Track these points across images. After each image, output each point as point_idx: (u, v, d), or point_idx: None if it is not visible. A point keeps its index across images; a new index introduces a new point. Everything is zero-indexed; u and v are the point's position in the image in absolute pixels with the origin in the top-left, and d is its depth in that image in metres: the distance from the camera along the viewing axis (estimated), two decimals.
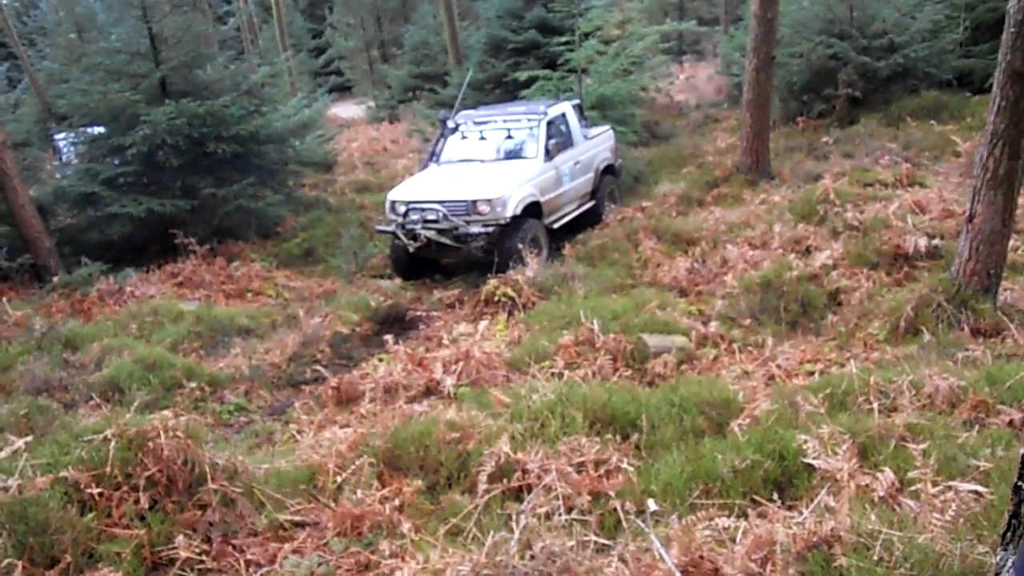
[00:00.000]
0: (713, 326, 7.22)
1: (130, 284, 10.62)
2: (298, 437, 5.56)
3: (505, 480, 4.37)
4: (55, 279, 11.04)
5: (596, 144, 12.58)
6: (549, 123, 11.49)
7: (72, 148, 15.83)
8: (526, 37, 17.33)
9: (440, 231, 10.24)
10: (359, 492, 4.36)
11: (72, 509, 3.81)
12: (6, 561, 3.43)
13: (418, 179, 11.53)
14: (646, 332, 6.90)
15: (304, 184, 15.85)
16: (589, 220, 12.03)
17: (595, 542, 3.90)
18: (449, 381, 6.22)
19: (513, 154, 11.37)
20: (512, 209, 10.18)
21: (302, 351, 7.74)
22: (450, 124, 12.15)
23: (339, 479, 4.51)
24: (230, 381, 7.12)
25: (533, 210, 10.69)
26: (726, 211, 11.27)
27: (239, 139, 12.90)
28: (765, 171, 12.94)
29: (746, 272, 8.45)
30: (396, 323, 8.72)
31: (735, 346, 6.90)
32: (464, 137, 11.86)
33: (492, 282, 8.89)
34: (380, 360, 7.19)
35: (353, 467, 4.58)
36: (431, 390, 6.27)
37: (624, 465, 4.59)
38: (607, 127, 13.26)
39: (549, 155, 11.13)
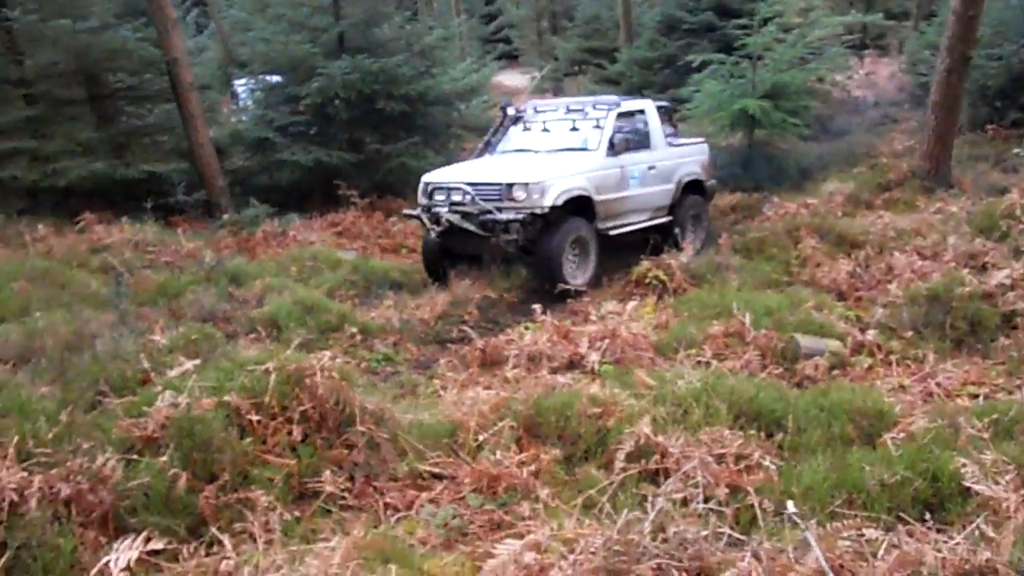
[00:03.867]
0: (871, 334, 6.92)
1: (293, 228, 11.10)
2: (441, 393, 5.69)
3: (643, 461, 4.34)
4: (225, 217, 11.66)
5: (682, 154, 11.13)
6: (620, 116, 10.26)
7: (249, 94, 16.62)
8: (702, 18, 16.98)
9: (465, 215, 9.07)
10: (498, 453, 4.43)
11: (232, 432, 4.03)
12: (173, 470, 3.66)
13: (464, 165, 10.57)
14: (799, 332, 6.70)
15: (464, 148, 16.10)
16: (663, 239, 10.32)
17: (729, 535, 3.83)
18: (593, 357, 6.22)
19: (576, 146, 10.15)
20: (552, 199, 8.91)
21: (450, 311, 7.92)
22: (511, 112, 11.06)
23: (479, 438, 4.60)
24: (380, 331, 7.37)
25: (582, 207, 9.37)
26: (897, 216, 10.73)
27: (408, 99, 13.21)
28: (944, 178, 12.19)
29: (912, 282, 8.03)
30: (544, 294, 8.75)
31: (892, 358, 6.60)
32: (526, 128, 10.81)
33: (644, 264, 8.81)
34: (526, 328, 7.25)
35: (494, 429, 4.66)
36: (574, 363, 6.29)
37: (766, 463, 4.49)
38: (701, 140, 11.91)
39: (613, 150, 9.80)
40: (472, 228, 9.03)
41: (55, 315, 6.86)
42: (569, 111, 10.55)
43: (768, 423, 4.99)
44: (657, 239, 9.98)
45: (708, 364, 6.07)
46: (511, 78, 31.58)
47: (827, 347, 6.55)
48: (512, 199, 8.90)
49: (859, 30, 22.54)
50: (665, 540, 3.60)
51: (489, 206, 8.94)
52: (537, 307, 7.29)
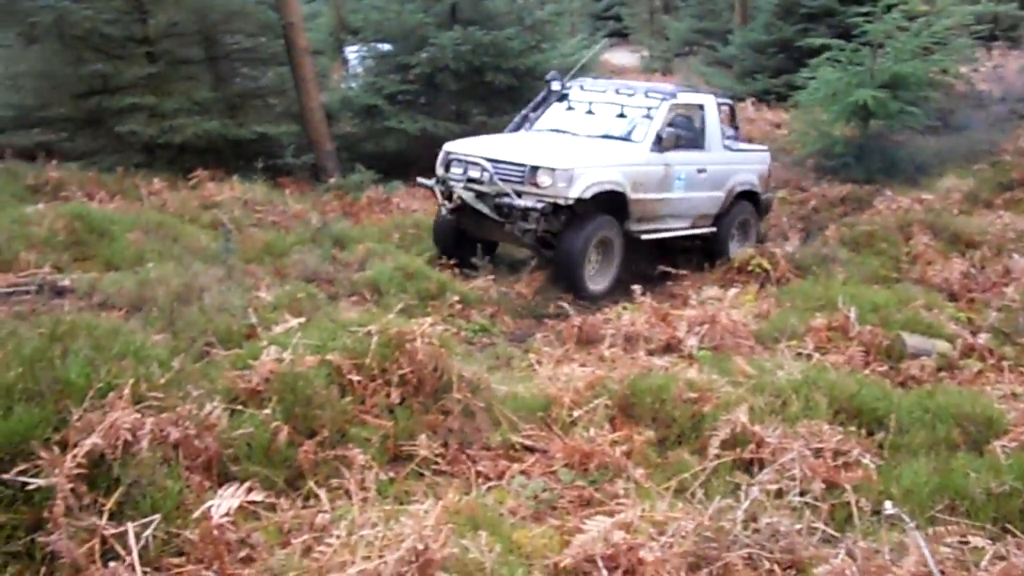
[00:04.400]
0: (983, 338, 6.66)
1: (397, 196, 11.25)
2: (536, 367, 5.70)
3: (738, 449, 4.28)
4: (331, 180, 11.90)
5: (739, 160, 10.16)
6: (675, 108, 9.29)
7: (360, 61, 16.88)
8: (822, 3, 16.51)
9: (480, 195, 8.25)
10: (591, 431, 4.41)
11: (333, 390, 4.11)
12: (275, 423, 3.76)
13: (491, 138, 9.63)
14: (906, 330, 6.49)
15: None
16: (705, 253, 9.73)
17: (823, 531, 3.75)
18: (691, 341, 6.15)
19: (619, 134, 9.23)
20: (580, 190, 7.99)
21: (548, 286, 7.91)
22: (555, 87, 10.01)
23: (573, 414, 4.60)
24: (478, 302, 7.43)
25: (613, 204, 8.48)
26: (1017, 217, 10.25)
27: (516, 72, 13.21)
28: None
29: None
30: (643, 276, 8.67)
31: (1005, 364, 6.33)
32: (570, 107, 9.82)
33: (748, 250, 8.66)
34: (624, 308, 7.20)
35: (588, 406, 4.65)
36: (671, 347, 6.22)
37: (865, 461, 4.37)
38: (763, 148, 11.00)
39: (660, 145, 8.83)
40: (485, 210, 8.18)
41: (166, 266, 7.10)
42: (619, 94, 9.55)
43: (869, 421, 4.86)
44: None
45: (809, 357, 5.92)
46: (620, 56, 31.23)
47: (935, 348, 6.34)
48: (535, 184, 8.02)
49: (989, 20, 21.49)
50: (757, 530, 3.55)
51: (508, 188, 8.10)
52: (637, 288, 7.23)
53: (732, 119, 10.46)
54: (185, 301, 6.07)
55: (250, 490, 2.97)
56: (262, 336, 4.67)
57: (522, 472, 4.18)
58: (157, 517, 2.99)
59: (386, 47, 14.93)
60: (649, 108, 9.18)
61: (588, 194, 8.07)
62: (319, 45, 16.61)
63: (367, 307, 6.43)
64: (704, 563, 3.37)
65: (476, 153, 8.52)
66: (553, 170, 8.00)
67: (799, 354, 5.97)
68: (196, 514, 3.04)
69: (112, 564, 2.79)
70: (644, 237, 8.90)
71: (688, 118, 9.58)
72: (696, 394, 4.76)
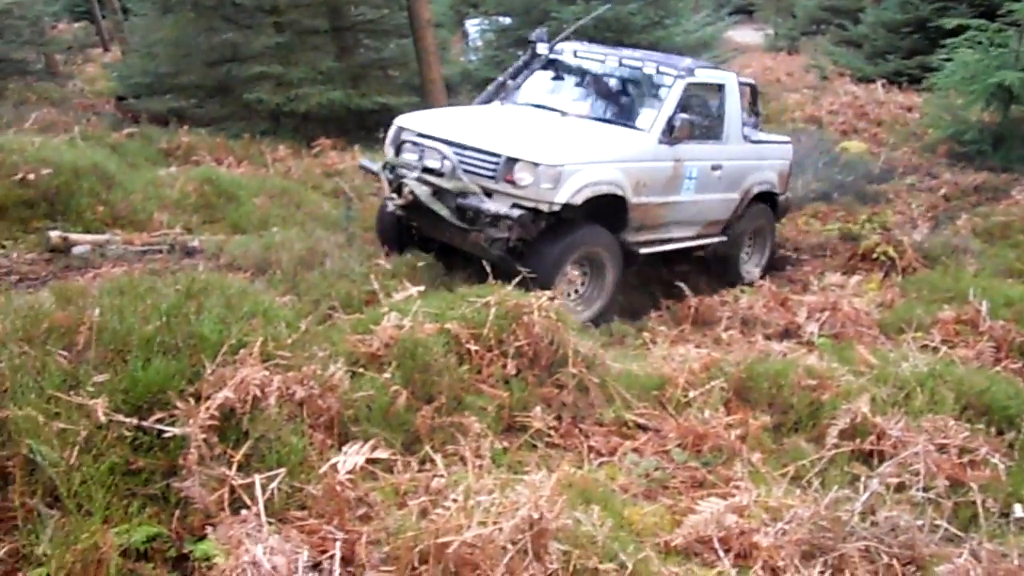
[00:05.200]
0: None
1: None
2: (650, 346, 5.65)
3: (857, 440, 4.17)
4: None
5: (759, 154, 8.28)
6: (690, 87, 7.35)
7: (480, 34, 16.95)
8: None
9: (439, 192, 6.47)
10: (706, 412, 4.37)
11: (451, 358, 4.17)
12: (394, 388, 3.84)
13: (461, 112, 7.91)
14: None
15: None
16: (715, 270, 8.11)
17: (946, 529, 3.63)
18: (811, 328, 6.02)
19: (619, 117, 7.43)
20: (570, 193, 6.20)
21: (663, 266, 7.82)
22: (541, 51, 8.02)
23: (688, 395, 4.55)
24: None
25: (608, 211, 6.71)
26: None
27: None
28: None
29: None
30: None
31: None
32: (558, 75, 8.00)
33: (874, 237, 8.35)
34: (742, 291, 7.08)
35: (703, 387, 4.60)
36: (790, 332, 6.10)
37: (993, 460, 4.21)
38: (785, 139, 8.98)
39: (671, 135, 6.99)
40: (444, 213, 6.42)
41: (290, 231, 7.34)
42: (622, 65, 7.57)
43: (999, 419, 4.68)
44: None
45: (936, 350, 5.72)
46: (743, 34, 30.48)
47: None
48: (512, 182, 6.22)
49: None
50: (875, 524, 3.46)
51: (474, 186, 6.36)
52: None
53: (754, 104, 8.76)
54: (308, 266, 6.27)
55: (374, 448, 3.04)
56: (382, 302, 4.76)
57: (634, 450, 4.18)
58: (282, 471, 3.09)
59: (506, 20, 14.94)
60: (660, 87, 7.31)
61: (579, 199, 6.28)
62: (440, 18, 16.74)
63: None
64: (819, 552, 3.31)
65: (437, 134, 6.70)
66: (536, 165, 6.17)
67: (925, 346, 5.77)
68: (323, 469, 3.13)
69: (241, 513, 2.89)
70: (644, 251, 7.07)
71: (704, 101, 7.84)
72: (815, 381, 4.65)
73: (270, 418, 3.31)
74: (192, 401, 3.22)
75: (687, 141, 7.15)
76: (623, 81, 7.67)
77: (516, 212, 6.13)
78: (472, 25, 18.61)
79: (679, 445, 4.19)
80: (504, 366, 4.30)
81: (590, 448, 4.15)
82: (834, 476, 3.91)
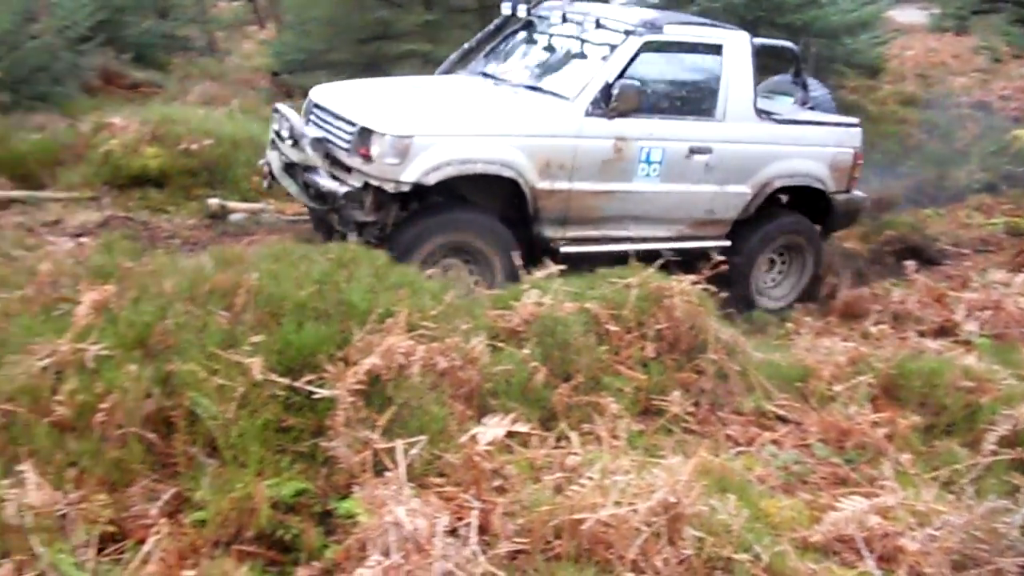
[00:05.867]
0: None
1: None
2: (794, 337, 5.50)
3: (1019, 448, 3.93)
4: None
5: (789, 138, 6.56)
6: (652, 47, 6.00)
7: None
8: None
9: (288, 166, 5.92)
10: (851, 408, 4.22)
11: (590, 337, 4.18)
12: (533, 364, 3.88)
13: (375, 82, 6.88)
14: None
15: (844, 86, 15.09)
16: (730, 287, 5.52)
17: None
18: (970, 327, 5.70)
19: (551, 84, 6.22)
20: (420, 171, 5.29)
21: None
22: (519, 12, 6.79)
23: (832, 389, 4.41)
24: None
25: (507, 195, 5.71)
26: None
27: (791, 28, 12.54)
28: None
29: None
30: (911, 252, 8.04)
31: None
32: (530, 39, 6.87)
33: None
34: (894, 284, 6.77)
35: (849, 382, 4.44)
36: (945, 330, 5.80)
37: None
38: (847, 119, 7.04)
39: (606, 105, 5.75)
40: (292, 191, 5.88)
41: None
42: (599, 27, 6.22)
43: None
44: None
45: None
46: (905, 14, 28.92)
47: None
48: (365, 156, 5.38)
49: None
50: None
51: (318, 159, 5.63)
52: (910, 264, 6.75)
53: (797, 74, 7.20)
54: None
55: (514, 421, 3.09)
56: (523, 280, 4.80)
57: (773, 441, 4.09)
58: (423, 438, 3.17)
59: (653, 1, 14.71)
60: (607, 46, 6.07)
61: (433, 179, 5.34)
62: None
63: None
64: (971, 564, 3.15)
65: (323, 103, 6.03)
66: (384, 136, 5.30)
67: None
68: (464, 438, 3.19)
69: (384, 475, 2.99)
70: (569, 250, 5.82)
71: (687, 66, 6.34)
72: (973, 383, 4.43)
73: (413, 386, 3.40)
74: (341, 365, 3.34)
75: (641, 115, 5.90)
76: (577, 41, 6.35)
77: (343, 190, 5.41)
78: (619, 6, 18.41)
79: (821, 440, 4.08)
80: (643, 348, 4.28)
81: (727, 436, 4.09)
82: (991, 485, 3.70)
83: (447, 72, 7.08)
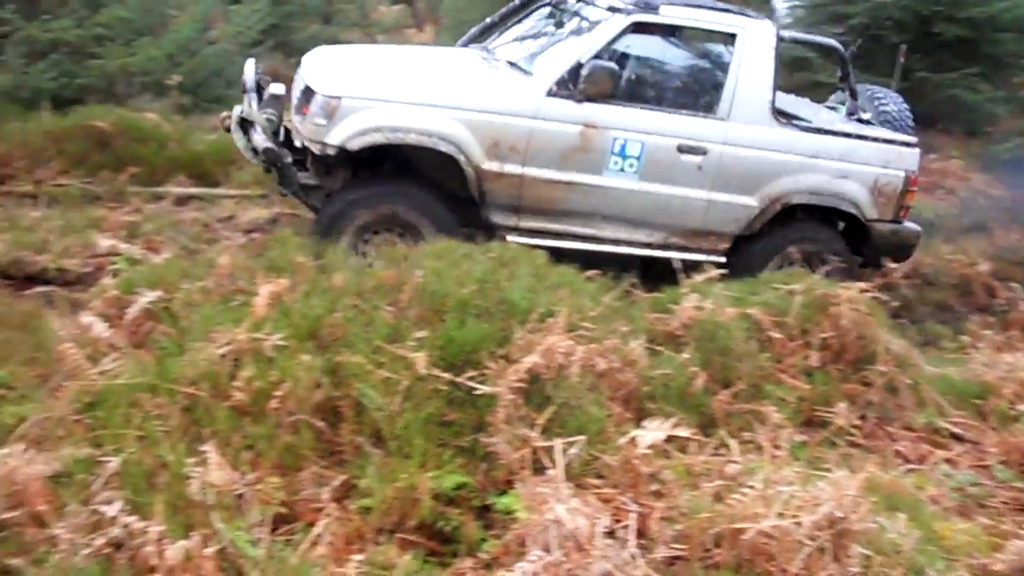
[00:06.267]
0: None
1: None
2: (970, 351, 5.20)
3: None
4: None
5: (809, 147, 5.69)
6: (643, 29, 5.52)
7: (790, 10, 16.22)
8: None
9: (243, 122, 5.57)
10: None
11: (752, 343, 4.09)
12: (692, 368, 3.82)
13: (375, 51, 6.81)
14: None
15: None
16: None
17: None
18: None
19: (528, 62, 5.76)
20: (344, 135, 5.08)
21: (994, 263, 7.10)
22: None
23: (1015, 408, 4.15)
24: (912, 274, 6.89)
25: (453, 173, 5.32)
26: None
27: (972, 23, 11.87)
28: None
29: None
30: None
31: None
32: (548, 16, 6.29)
33: None
34: None
35: None
36: None
37: None
38: (904, 139, 6.03)
39: (571, 87, 5.28)
40: (240, 144, 5.58)
41: None
42: (588, 3, 5.83)
43: None
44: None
45: None
46: None
47: None
48: (305, 113, 5.25)
49: None
50: None
51: (259, 115, 5.42)
52: None
53: (844, 78, 6.38)
54: None
55: (675, 426, 3.05)
56: (682, 283, 4.73)
57: (947, 460, 3.90)
58: (582, 438, 3.18)
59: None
60: (592, 23, 5.59)
61: (357, 144, 5.10)
62: None
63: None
64: None
65: (304, 60, 5.92)
66: (317, 97, 5.16)
67: None
68: (617, 442, 3.18)
69: (544, 473, 3.01)
70: (522, 240, 5.27)
71: (689, 55, 5.90)
72: None
73: (572, 386, 3.41)
74: (502, 363, 3.39)
75: (619, 102, 5.39)
76: (580, 20, 5.79)
77: (263, 145, 5.21)
78: (781, 1, 17.87)
79: (1002, 462, 3.85)
80: (807, 357, 4.16)
81: (896, 453, 3.92)
82: None
83: (464, 45, 6.66)
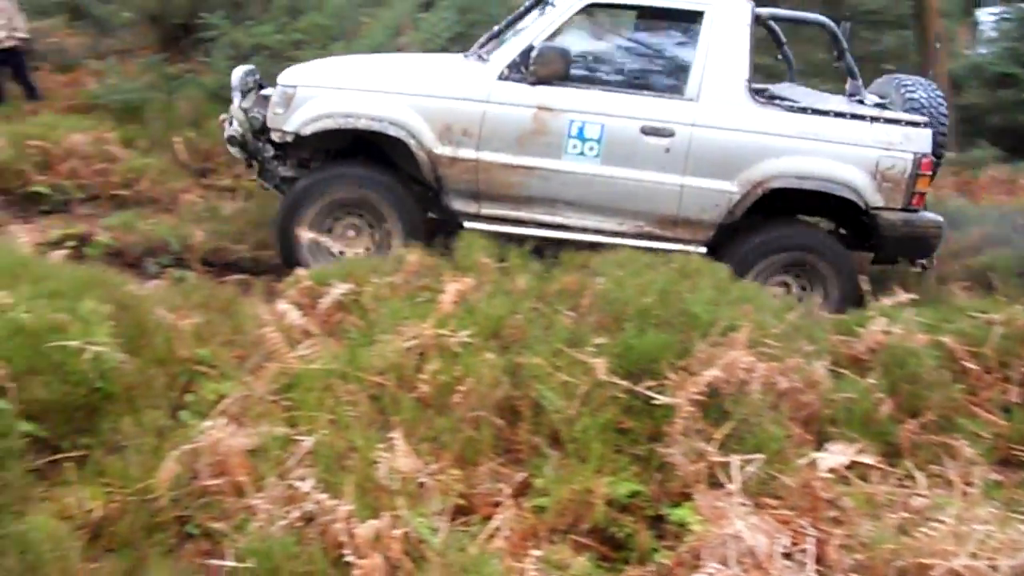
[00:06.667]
0: None
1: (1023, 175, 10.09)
2: None
3: None
4: (948, 155, 11.10)
5: (796, 129, 5.34)
6: (593, 11, 5.51)
7: (996, 24, 15.36)
8: None
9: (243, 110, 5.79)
10: None
11: (944, 373, 3.89)
12: (878, 395, 3.68)
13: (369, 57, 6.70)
14: None
15: None
16: None
17: None
18: None
19: (482, 55, 5.79)
20: (299, 122, 5.31)
21: None
22: None
23: None
24: None
25: (405, 158, 5.44)
26: None
27: None
28: None
29: None
30: None
31: None
32: (538, 12, 5.83)
33: None
34: None
35: None
36: None
37: None
38: (910, 119, 5.47)
39: (523, 70, 5.27)
40: (226, 135, 5.80)
41: None
42: None
43: None
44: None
45: None
46: None
47: None
48: (270, 106, 5.57)
49: None
50: None
51: (238, 111, 5.70)
52: None
53: (839, 57, 5.98)
54: None
55: (859, 452, 2.95)
56: (871, 308, 4.56)
57: None
58: (760, 456, 3.12)
59: None
60: (550, 5, 5.57)
61: (309, 129, 5.31)
62: (948, 5, 15.43)
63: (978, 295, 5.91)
64: None
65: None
66: (279, 87, 5.47)
67: None
68: (797, 463, 3.11)
69: (720, 488, 2.98)
70: (480, 227, 5.33)
71: (659, 37, 5.69)
72: None
73: (752, 403, 3.35)
74: (682, 374, 3.38)
75: (575, 84, 5.33)
76: (545, 6, 5.69)
77: (227, 134, 5.64)
78: (986, 13, 16.93)
79: None
80: (1005, 392, 3.94)
81: None
82: None
83: (486, 43, 6.34)
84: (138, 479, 3.03)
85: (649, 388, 3.37)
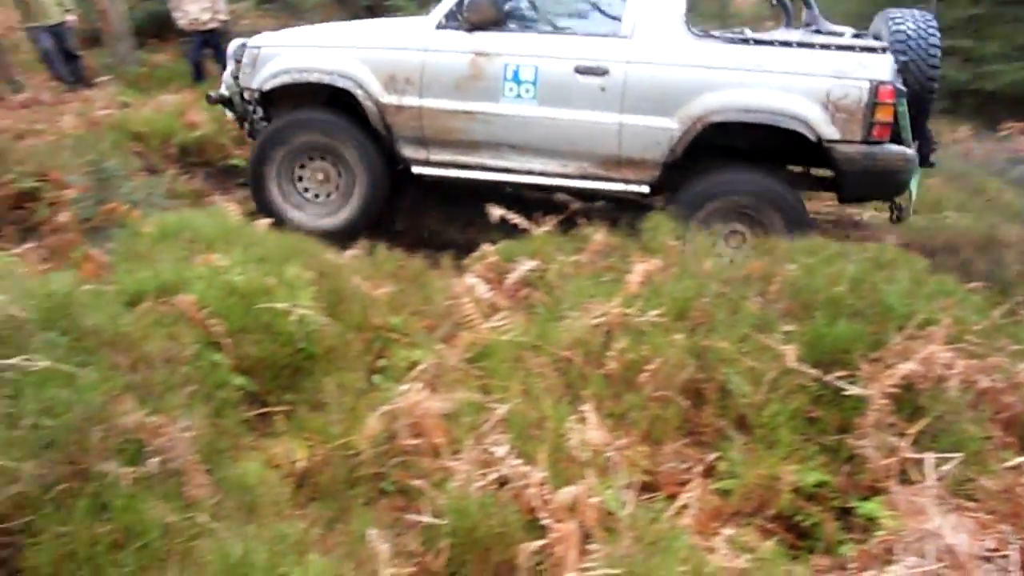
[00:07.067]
0: None
1: None
2: None
3: None
4: None
5: (743, 61, 5.12)
6: None
7: None
8: None
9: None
10: None
11: None
12: None
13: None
14: None
15: None
16: None
17: None
18: None
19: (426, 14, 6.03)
20: (263, 78, 5.89)
21: None
22: None
23: None
24: None
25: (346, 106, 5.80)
26: None
27: None
28: None
29: None
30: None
31: None
32: None
33: None
34: None
35: None
36: None
37: None
38: (864, 44, 5.16)
39: (458, 19, 5.50)
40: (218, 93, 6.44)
41: (966, 217, 7.01)
42: None
43: None
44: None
45: None
46: None
47: None
48: (241, 67, 6.15)
49: None
50: None
51: (228, 76, 6.32)
52: None
53: None
54: (985, 253, 5.92)
55: None
56: None
57: None
58: (959, 456, 3.02)
59: None
60: None
61: (270, 85, 5.84)
62: None
63: None
64: None
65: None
66: (248, 48, 6.02)
67: None
68: (998, 466, 2.99)
69: (914, 484, 2.90)
70: (426, 172, 5.81)
71: None
72: None
73: (950, 400, 3.23)
74: (876, 366, 3.30)
75: (510, 28, 5.50)
76: None
77: (213, 95, 6.34)
78: None
79: None
80: None
81: None
82: None
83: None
84: (338, 436, 3.24)
85: (839, 378, 3.31)
